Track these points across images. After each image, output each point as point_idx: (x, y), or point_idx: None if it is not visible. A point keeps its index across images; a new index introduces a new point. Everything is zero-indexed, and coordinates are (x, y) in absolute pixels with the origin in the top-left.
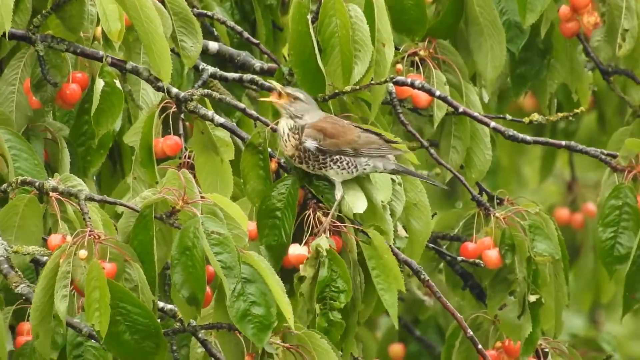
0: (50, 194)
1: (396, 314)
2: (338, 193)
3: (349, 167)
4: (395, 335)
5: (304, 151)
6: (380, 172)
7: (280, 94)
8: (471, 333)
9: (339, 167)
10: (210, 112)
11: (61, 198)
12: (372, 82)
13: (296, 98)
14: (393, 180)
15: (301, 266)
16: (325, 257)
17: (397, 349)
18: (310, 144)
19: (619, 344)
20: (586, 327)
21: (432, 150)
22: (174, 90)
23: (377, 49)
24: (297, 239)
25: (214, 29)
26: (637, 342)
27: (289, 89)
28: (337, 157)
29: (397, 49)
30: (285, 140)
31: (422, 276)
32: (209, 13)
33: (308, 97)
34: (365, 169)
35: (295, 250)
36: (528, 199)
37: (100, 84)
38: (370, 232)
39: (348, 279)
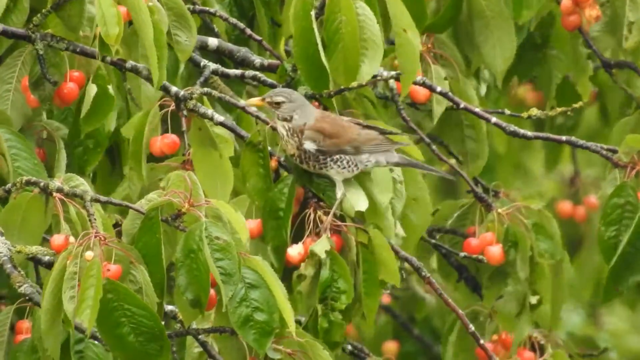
0: (55, 194)
1: (373, 319)
2: (339, 192)
3: (349, 166)
4: (389, 331)
5: (304, 152)
6: (384, 166)
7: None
8: (472, 328)
9: (339, 166)
10: (210, 111)
11: (65, 199)
12: (378, 77)
13: (277, 103)
14: (394, 179)
15: (302, 264)
16: (327, 258)
17: (391, 346)
18: (310, 145)
19: (617, 338)
20: (585, 324)
21: (434, 146)
22: (174, 88)
23: (398, 33)
24: (299, 238)
25: (214, 25)
26: (636, 336)
27: (268, 96)
28: (337, 156)
29: (392, 43)
30: (286, 141)
31: (423, 273)
32: (211, 10)
33: (292, 95)
34: (367, 165)
35: (294, 250)
36: (522, 190)
37: (92, 89)
38: (371, 231)
39: (349, 279)
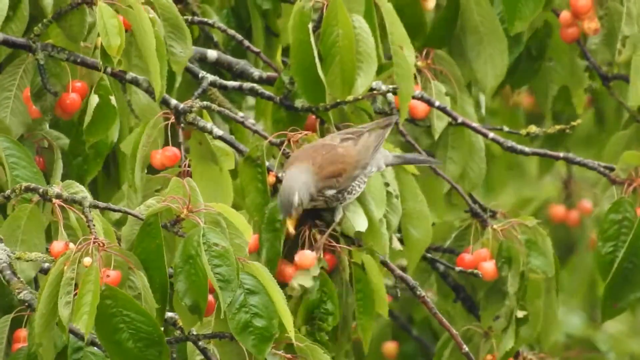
0: (54, 200)
1: (369, 338)
2: (338, 215)
3: (359, 186)
4: (389, 333)
5: (328, 199)
6: (383, 170)
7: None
8: (466, 349)
9: (353, 194)
10: (209, 124)
11: (64, 205)
12: (375, 91)
13: (300, 204)
14: (389, 194)
15: (289, 283)
16: (317, 279)
17: (390, 347)
18: (330, 192)
19: (617, 341)
20: (584, 326)
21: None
22: (173, 101)
23: (395, 51)
24: (292, 254)
25: (214, 35)
26: (636, 340)
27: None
28: (351, 186)
29: (389, 58)
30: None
31: (418, 292)
32: (209, 21)
33: (292, 192)
34: (371, 173)
35: (289, 268)
36: (518, 193)
37: (94, 99)
38: (364, 257)
39: (337, 301)
